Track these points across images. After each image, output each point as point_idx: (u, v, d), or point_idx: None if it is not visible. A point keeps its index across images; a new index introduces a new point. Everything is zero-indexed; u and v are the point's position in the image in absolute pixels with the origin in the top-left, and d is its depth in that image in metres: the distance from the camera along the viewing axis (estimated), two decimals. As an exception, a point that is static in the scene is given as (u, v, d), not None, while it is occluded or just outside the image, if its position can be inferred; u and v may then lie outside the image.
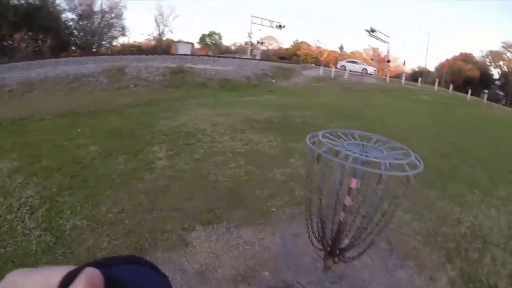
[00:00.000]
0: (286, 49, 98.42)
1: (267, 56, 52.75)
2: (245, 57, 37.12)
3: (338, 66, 35.94)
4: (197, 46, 75.36)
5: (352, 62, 37.21)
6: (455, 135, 11.73)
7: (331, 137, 2.60)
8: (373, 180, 2.36)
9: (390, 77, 31.98)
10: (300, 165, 6.08)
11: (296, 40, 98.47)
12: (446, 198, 5.59)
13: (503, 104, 51.43)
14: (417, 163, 2.38)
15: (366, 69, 33.47)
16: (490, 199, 5.97)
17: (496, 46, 79.76)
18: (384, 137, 3.03)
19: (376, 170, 2.21)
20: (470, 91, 28.38)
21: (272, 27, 46.09)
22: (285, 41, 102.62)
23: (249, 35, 43.07)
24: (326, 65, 62.88)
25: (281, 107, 11.88)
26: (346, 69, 32.35)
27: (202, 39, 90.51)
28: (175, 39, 62.14)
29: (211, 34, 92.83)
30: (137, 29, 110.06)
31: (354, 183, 2.35)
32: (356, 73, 31.43)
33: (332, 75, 26.82)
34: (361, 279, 3.10)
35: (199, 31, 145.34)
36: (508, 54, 76.17)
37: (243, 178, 5.49)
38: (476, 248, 4.24)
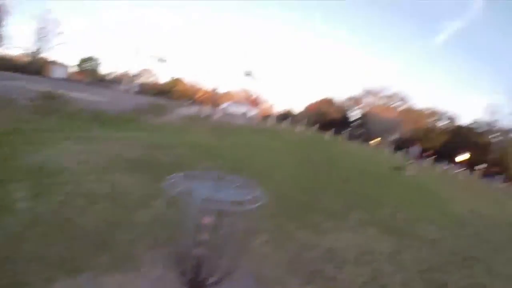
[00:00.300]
0: (162, 84, 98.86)
1: (143, 89, 51.79)
2: (122, 88, 35.86)
3: (221, 107, 37.08)
4: (72, 69, 69.25)
5: (235, 104, 38.74)
6: (314, 171, 13.53)
7: (188, 178, 2.87)
8: (226, 216, 2.76)
9: (260, 118, 34.61)
10: (165, 207, 6.15)
11: (174, 76, 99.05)
12: (305, 227, 6.41)
13: (361, 141, 59.07)
14: (261, 198, 2.73)
15: (248, 112, 35.11)
16: (344, 224, 7.07)
17: (355, 92, 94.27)
18: (246, 175, 3.52)
19: (223, 207, 2.53)
20: (332, 130, 32.39)
21: (153, 60, 45.64)
22: (163, 75, 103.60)
23: (129, 67, 42.02)
24: (201, 103, 65.02)
25: (152, 145, 11.81)
26: (230, 110, 33.77)
27: (80, 63, 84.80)
28: (52, 59, 56.84)
29: (89, 60, 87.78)
30: (14, 39, 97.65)
31: (207, 220, 2.64)
32: (230, 114, 33.13)
33: (206, 115, 28.05)
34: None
35: (77, 53, 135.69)
36: (365, 99, 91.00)
37: (109, 221, 5.28)
38: (332, 267, 5.03)
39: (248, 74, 45.51)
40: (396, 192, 13.47)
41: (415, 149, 23.19)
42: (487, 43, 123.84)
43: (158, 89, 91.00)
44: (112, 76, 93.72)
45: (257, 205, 2.57)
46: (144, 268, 4.06)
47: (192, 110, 30.19)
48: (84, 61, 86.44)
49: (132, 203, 6.18)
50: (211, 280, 2.76)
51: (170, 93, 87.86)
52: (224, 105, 36.66)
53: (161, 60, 45.76)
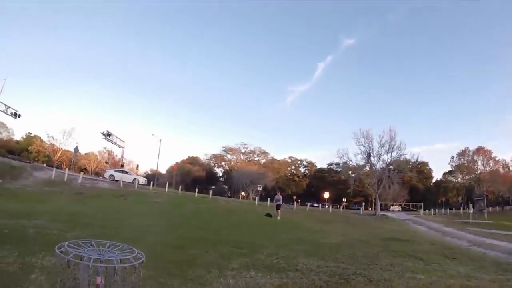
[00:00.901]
0: (17, 142, 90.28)
1: None
2: None
3: (106, 175, 34.80)
4: None
5: (122, 171, 36.23)
6: (186, 229, 13.73)
7: (74, 246, 3.04)
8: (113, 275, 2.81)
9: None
10: (44, 280, 5.40)
11: (29, 133, 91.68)
12: (188, 282, 6.24)
13: (228, 196, 60.62)
14: (141, 256, 3.08)
15: (137, 179, 33.04)
16: (226, 272, 7.07)
17: (218, 150, 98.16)
18: (119, 241, 3.63)
19: (111, 265, 2.83)
20: (197, 189, 32.81)
21: (6, 113, 39.04)
22: (17, 131, 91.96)
23: None
24: (59, 166, 59.06)
25: (11, 214, 10.93)
26: (115, 178, 31.67)
27: None
28: None
29: None
30: None
31: (98, 280, 2.75)
32: (91, 178, 31.21)
33: (65, 179, 26.36)
34: None
35: None
36: (228, 155, 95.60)
37: None
38: None
39: (109, 134, 43.47)
40: (271, 235, 14.13)
41: (279, 196, 25.33)
42: (330, 101, 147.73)
43: (12, 146, 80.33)
44: None
45: (140, 261, 2.98)
46: None
47: (51, 173, 28.06)
48: None
49: (8, 279, 5.46)
50: None
51: (26, 151, 78.86)
52: (117, 173, 33.71)
53: (15, 113, 39.79)
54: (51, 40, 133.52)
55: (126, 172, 37.35)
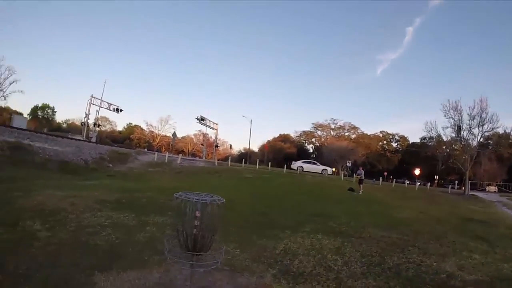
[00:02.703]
0: (120, 132, 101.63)
1: (102, 137, 51.90)
2: (81, 138, 35.96)
3: (294, 166, 36.91)
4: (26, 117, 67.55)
5: (310, 162, 38.59)
6: (271, 200, 15.60)
7: (185, 194, 4.55)
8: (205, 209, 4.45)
9: (219, 159, 36.06)
10: (155, 230, 7.88)
11: (130, 123, 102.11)
12: (264, 237, 8.20)
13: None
14: (222, 200, 4.56)
15: (326, 170, 35.47)
16: (297, 233, 8.88)
17: (308, 126, 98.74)
18: None
19: (204, 201, 4.43)
20: (285, 165, 34.44)
21: (109, 109, 46.21)
22: (119, 123, 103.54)
23: (87, 115, 41.86)
24: (158, 150, 65.74)
25: (125, 190, 13.30)
26: (304, 169, 34.74)
27: (34, 111, 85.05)
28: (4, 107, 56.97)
29: (44, 107, 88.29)
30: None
31: (197, 213, 4.37)
32: (188, 159, 35.29)
33: (166, 160, 29.52)
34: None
35: (29, 100, 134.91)
36: (318, 132, 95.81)
37: (116, 241, 7.01)
38: (288, 258, 6.81)
39: (202, 119, 47.23)
40: (348, 208, 15.38)
41: (360, 171, 25.90)
42: (422, 68, 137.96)
43: (116, 136, 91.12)
44: (69, 124, 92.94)
45: (222, 201, 4.49)
46: (151, 266, 5.86)
47: (153, 156, 31.54)
48: (39, 109, 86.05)
49: (129, 229, 7.94)
50: (202, 248, 4.43)
51: (128, 140, 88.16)
52: (305, 164, 36.24)
53: (117, 109, 46.31)
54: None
55: (315, 163, 38.29)
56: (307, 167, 36.32)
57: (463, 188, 37.54)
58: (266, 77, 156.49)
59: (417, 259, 7.80)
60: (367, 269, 6.70)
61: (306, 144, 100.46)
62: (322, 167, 36.71)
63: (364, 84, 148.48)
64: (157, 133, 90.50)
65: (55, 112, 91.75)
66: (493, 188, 52.99)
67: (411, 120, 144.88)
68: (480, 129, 37.06)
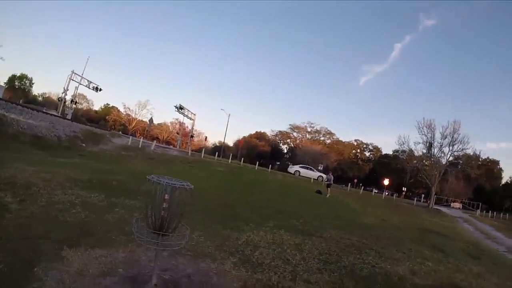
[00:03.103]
0: (96, 112, 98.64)
1: (76, 115, 50.59)
2: (56, 114, 34.88)
3: (291, 170, 38.76)
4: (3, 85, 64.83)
5: (307, 168, 39.85)
6: (239, 194, 15.96)
7: (156, 177, 4.75)
8: (174, 193, 4.58)
9: (193, 150, 36.04)
10: (124, 212, 8.00)
11: (107, 104, 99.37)
12: (228, 228, 8.43)
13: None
14: (191, 186, 4.77)
15: (321, 176, 36.30)
16: (261, 228, 9.15)
17: (285, 127, 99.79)
18: None
19: (174, 185, 4.61)
20: (258, 162, 34.92)
21: (89, 88, 44.96)
22: (96, 102, 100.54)
23: (65, 91, 40.51)
24: (133, 134, 64.96)
25: (96, 171, 13.34)
26: (301, 174, 36.78)
27: (11, 80, 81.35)
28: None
29: (22, 77, 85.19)
30: None
31: (166, 196, 4.57)
32: (162, 146, 35.24)
33: (140, 145, 29.38)
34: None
35: (7, 68, 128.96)
36: (294, 133, 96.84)
37: (86, 219, 7.10)
38: (249, 249, 7.05)
39: (181, 107, 46.78)
40: (313, 208, 15.83)
41: (330, 176, 26.68)
42: (404, 84, 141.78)
43: (92, 115, 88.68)
44: (45, 97, 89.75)
45: (190, 187, 4.70)
46: (118, 246, 5.94)
47: (127, 140, 31.35)
48: (17, 78, 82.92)
49: (99, 209, 8.06)
50: (168, 230, 4.62)
51: (103, 120, 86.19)
52: (302, 169, 38.34)
53: (96, 87, 45.09)
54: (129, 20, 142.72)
55: (311, 169, 39.98)
56: (304, 172, 38.06)
57: (428, 201, 38.92)
58: (248, 74, 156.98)
59: (373, 261, 8.17)
60: (323, 266, 6.98)
61: (281, 144, 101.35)
62: (318, 173, 38.36)
63: (346, 92, 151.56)
64: (133, 116, 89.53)
65: (33, 83, 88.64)
66: (457, 205, 55.33)
67: (386, 132, 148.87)
68: (451, 148, 39.02)
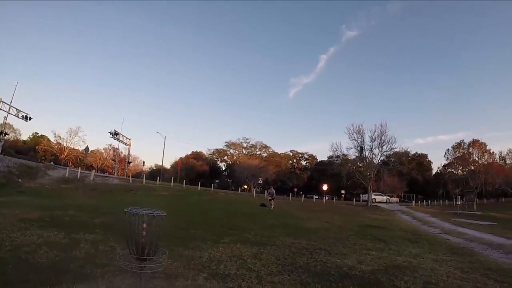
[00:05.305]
0: (24, 142, 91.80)
1: (3, 148, 46.82)
2: None
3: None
4: None
5: (379, 194, 41.06)
6: (189, 216, 16.60)
7: (132, 209, 5.21)
8: (151, 221, 5.16)
9: (132, 176, 35.50)
10: (89, 247, 8.21)
11: (36, 133, 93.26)
12: (189, 249, 9.04)
13: (232, 189, 62.94)
14: (164, 213, 5.31)
15: (388, 198, 37.08)
16: (218, 244, 9.86)
17: (221, 145, 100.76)
18: None
19: (151, 214, 5.15)
20: (200, 183, 35.33)
21: (18, 117, 42.25)
22: (23, 131, 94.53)
23: None
24: (66, 164, 61.82)
25: (43, 207, 13.21)
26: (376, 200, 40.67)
27: None
28: None
29: None
30: None
31: (144, 224, 5.08)
32: (100, 175, 34.15)
33: (78, 176, 28.70)
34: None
35: None
36: (231, 150, 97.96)
37: (56, 258, 7.16)
38: (214, 264, 7.77)
39: (116, 133, 45.74)
40: (261, 221, 16.83)
41: (272, 190, 27.99)
42: (332, 93, 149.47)
43: (19, 146, 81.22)
44: None
45: (164, 214, 5.27)
46: (96, 279, 6.19)
47: (64, 171, 30.23)
48: None
49: (64, 247, 8.12)
50: (149, 254, 5.11)
51: (33, 151, 79.46)
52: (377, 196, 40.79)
53: (26, 116, 42.16)
54: (55, 42, 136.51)
55: (381, 195, 44.34)
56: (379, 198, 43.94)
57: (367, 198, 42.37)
58: (181, 96, 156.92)
59: (324, 258, 9.23)
60: (282, 268, 7.83)
61: (219, 162, 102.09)
62: (386, 196, 43.95)
63: (277, 105, 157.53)
64: (65, 145, 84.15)
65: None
66: (395, 199, 59.74)
67: (319, 140, 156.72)
68: (380, 149, 42.50)
